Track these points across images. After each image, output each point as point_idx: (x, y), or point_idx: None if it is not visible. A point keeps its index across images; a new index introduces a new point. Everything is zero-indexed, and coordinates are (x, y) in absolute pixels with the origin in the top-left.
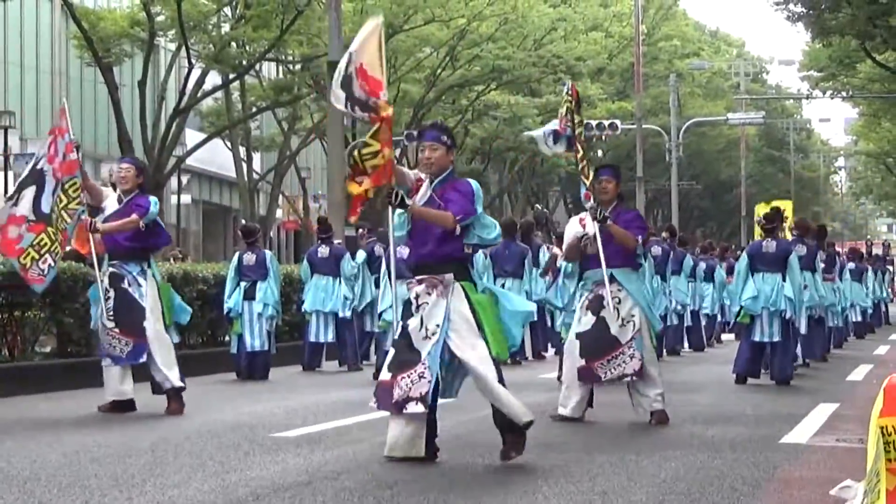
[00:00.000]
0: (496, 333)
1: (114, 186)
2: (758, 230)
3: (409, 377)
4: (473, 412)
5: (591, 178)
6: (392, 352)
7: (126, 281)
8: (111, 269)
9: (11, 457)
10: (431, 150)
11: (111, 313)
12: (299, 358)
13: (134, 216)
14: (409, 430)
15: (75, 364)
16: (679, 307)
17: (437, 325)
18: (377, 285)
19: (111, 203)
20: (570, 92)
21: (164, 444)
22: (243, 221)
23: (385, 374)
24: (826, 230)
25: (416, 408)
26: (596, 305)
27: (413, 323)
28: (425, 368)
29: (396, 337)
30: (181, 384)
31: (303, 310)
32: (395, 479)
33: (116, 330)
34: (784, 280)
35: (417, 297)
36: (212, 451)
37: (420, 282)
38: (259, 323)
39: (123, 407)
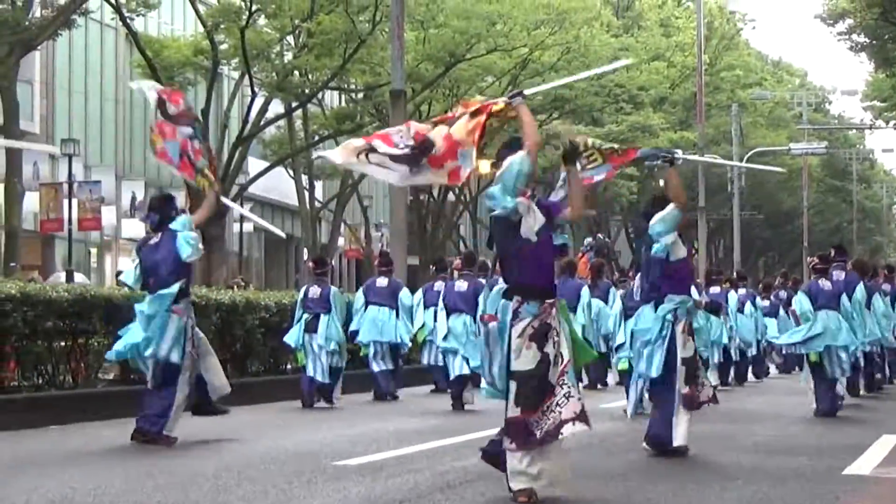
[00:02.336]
0: (577, 343)
1: None
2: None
3: (549, 404)
4: None
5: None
6: (518, 386)
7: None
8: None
9: (75, 483)
10: None
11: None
12: (361, 386)
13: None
14: (563, 459)
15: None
16: (743, 345)
17: (567, 350)
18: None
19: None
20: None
21: (226, 472)
22: (305, 251)
23: (514, 412)
24: (893, 268)
25: (575, 427)
26: (691, 331)
27: (552, 353)
28: (570, 387)
29: (531, 368)
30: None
31: (357, 341)
32: None
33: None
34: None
35: (549, 326)
36: (274, 478)
37: (549, 307)
38: (320, 356)
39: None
